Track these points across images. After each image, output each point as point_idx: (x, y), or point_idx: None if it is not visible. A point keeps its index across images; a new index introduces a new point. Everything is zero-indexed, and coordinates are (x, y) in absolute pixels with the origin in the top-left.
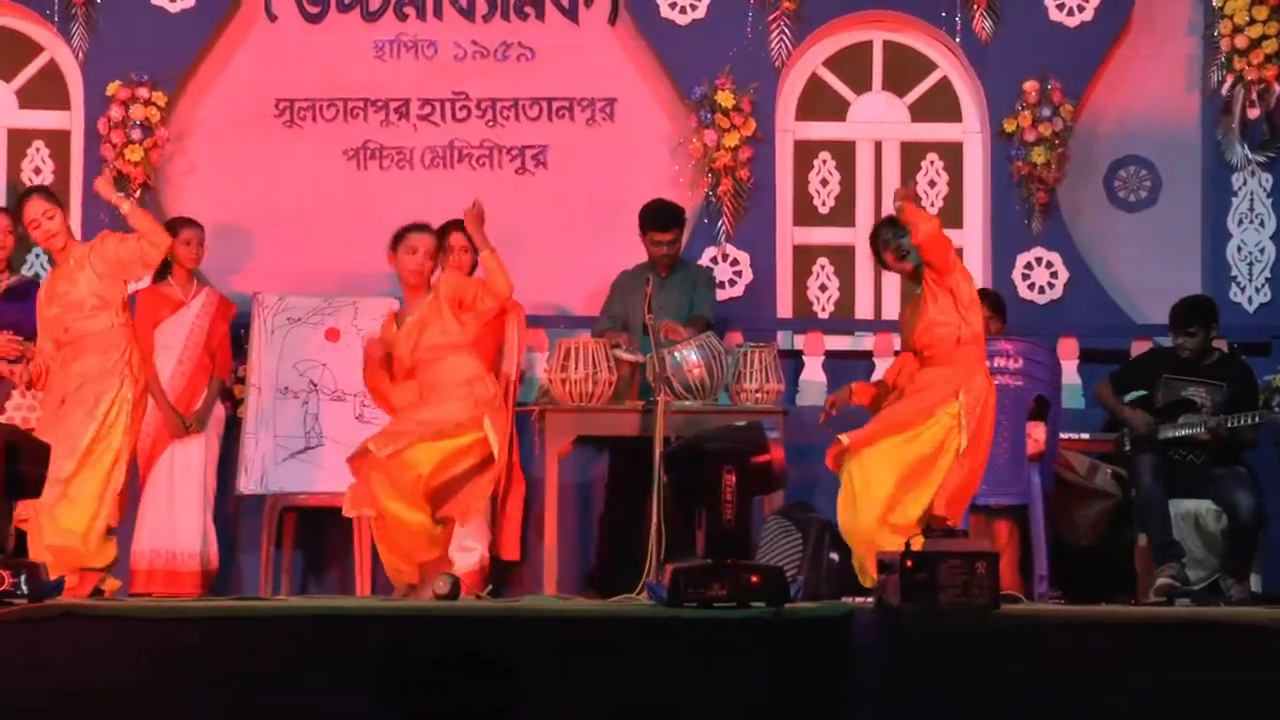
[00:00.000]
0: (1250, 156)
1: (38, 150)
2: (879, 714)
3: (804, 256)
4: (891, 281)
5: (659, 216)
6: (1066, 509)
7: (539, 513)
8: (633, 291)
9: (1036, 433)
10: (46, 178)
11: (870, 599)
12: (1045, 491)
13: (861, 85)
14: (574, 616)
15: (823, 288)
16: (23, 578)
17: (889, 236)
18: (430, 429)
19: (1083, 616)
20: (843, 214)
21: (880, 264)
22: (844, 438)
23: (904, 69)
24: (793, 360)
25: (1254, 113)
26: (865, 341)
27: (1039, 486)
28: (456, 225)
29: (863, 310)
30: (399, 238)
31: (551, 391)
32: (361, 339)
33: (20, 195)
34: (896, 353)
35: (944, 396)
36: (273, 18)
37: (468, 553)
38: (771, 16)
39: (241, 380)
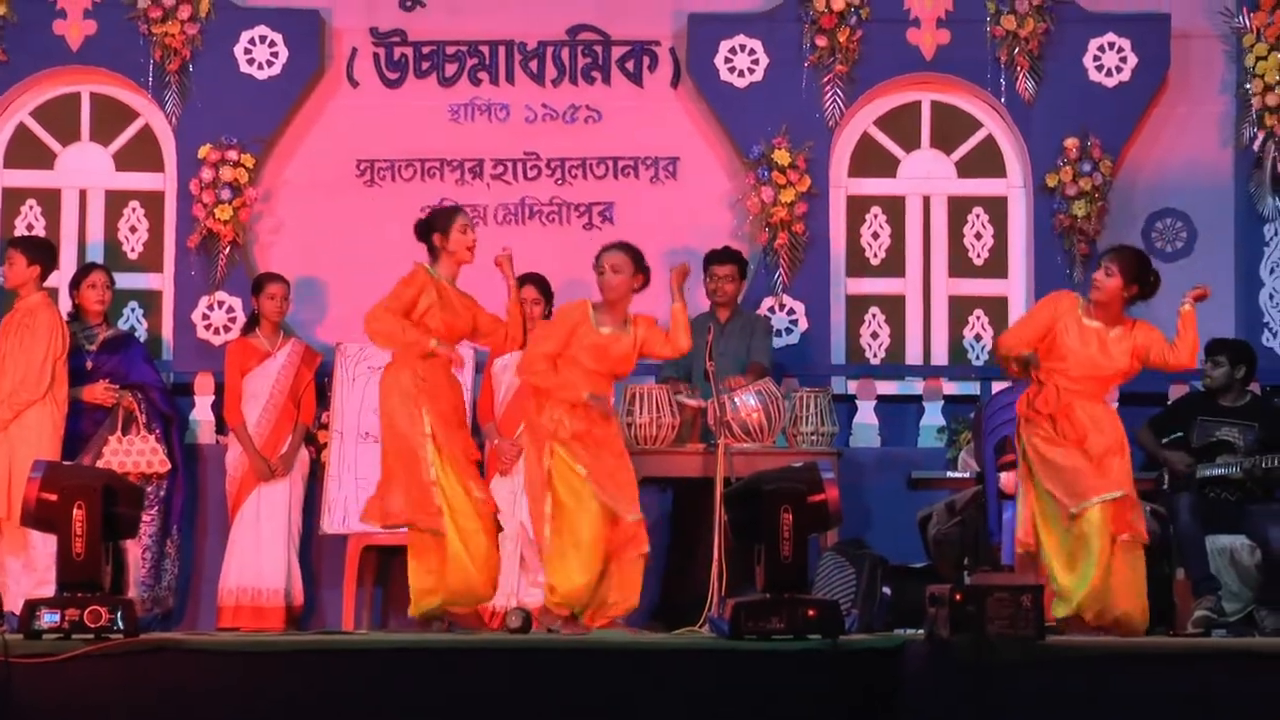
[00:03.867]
0: None
1: (134, 210)
2: None
3: (856, 305)
4: (940, 326)
5: (717, 251)
6: None
7: None
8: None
9: None
10: (142, 236)
11: (921, 631)
12: None
13: (910, 143)
14: (640, 648)
15: (874, 335)
16: (119, 614)
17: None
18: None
19: (1124, 646)
20: (893, 265)
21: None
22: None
23: (951, 128)
24: (846, 404)
25: None
26: (915, 386)
27: None
28: (531, 278)
29: (912, 356)
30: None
31: None
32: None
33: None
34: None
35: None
36: (354, 84)
37: (540, 588)
38: (825, 79)
39: (325, 426)
